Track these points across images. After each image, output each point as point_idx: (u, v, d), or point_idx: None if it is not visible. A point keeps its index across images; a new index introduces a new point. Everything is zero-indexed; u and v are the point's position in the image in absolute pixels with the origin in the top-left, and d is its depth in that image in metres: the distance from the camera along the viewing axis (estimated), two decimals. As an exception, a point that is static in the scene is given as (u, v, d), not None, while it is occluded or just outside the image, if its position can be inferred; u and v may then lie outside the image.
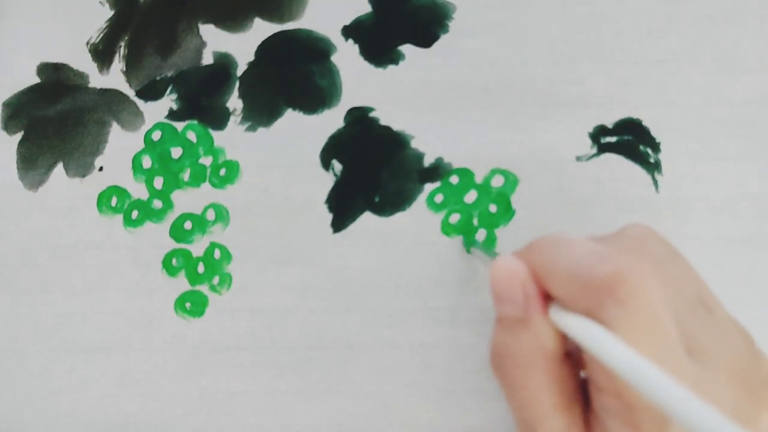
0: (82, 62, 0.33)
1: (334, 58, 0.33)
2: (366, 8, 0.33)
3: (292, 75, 0.33)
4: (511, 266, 0.20)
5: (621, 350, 0.17)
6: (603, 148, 0.31)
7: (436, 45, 0.32)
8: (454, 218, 0.31)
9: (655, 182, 0.31)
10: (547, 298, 0.20)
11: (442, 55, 0.32)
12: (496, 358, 0.21)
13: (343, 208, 0.31)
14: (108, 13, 0.34)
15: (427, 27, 0.33)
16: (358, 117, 0.32)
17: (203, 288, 0.31)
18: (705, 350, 0.19)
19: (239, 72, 0.33)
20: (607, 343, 0.18)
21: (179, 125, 0.32)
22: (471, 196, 0.31)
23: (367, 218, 0.31)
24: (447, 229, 0.31)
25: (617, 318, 0.18)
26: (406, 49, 0.32)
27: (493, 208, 0.31)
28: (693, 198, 0.30)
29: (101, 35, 0.34)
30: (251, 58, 0.33)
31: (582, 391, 0.21)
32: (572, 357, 0.21)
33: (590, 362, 0.19)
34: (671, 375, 0.17)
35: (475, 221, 0.31)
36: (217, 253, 0.31)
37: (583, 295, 0.19)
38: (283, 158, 0.32)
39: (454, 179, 0.31)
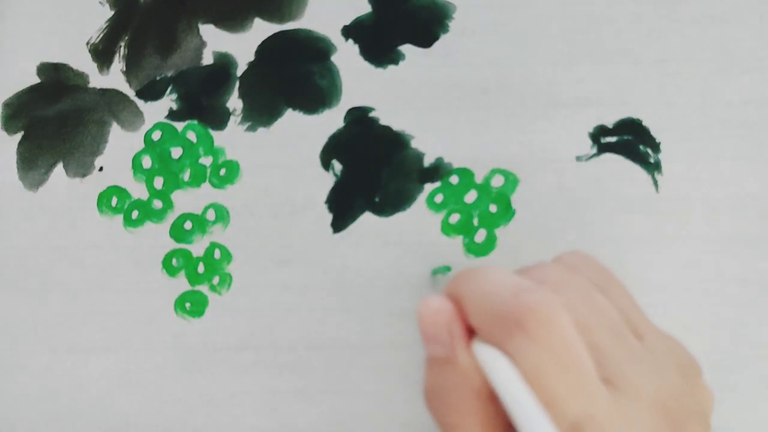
0: (82, 62, 0.33)
1: (334, 58, 0.33)
2: (366, 8, 0.33)
3: (292, 75, 0.33)
4: (437, 306, 0.21)
5: (509, 383, 0.18)
6: (603, 148, 0.31)
7: (436, 45, 0.32)
8: (454, 218, 0.31)
9: (655, 182, 0.31)
10: (473, 333, 0.20)
11: (442, 55, 0.32)
12: (429, 396, 0.21)
13: (343, 208, 0.31)
14: (108, 13, 0.34)
15: (427, 27, 0.33)
16: (358, 117, 0.32)
17: (203, 288, 0.31)
18: (626, 379, 0.19)
19: (239, 72, 0.33)
20: (501, 375, 0.18)
21: (179, 125, 0.32)
22: (471, 196, 0.31)
23: (367, 218, 0.31)
24: (447, 229, 0.31)
25: (524, 350, 0.18)
26: (406, 49, 0.32)
27: (493, 208, 0.31)
28: (693, 198, 0.30)
29: (101, 35, 0.34)
30: (251, 58, 0.33)
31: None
32: None
33: None
34: (583, 404, 0.17)
35: (475, 221, 0.31)
36: (217, 253, 0.31)
37: (494, 326, 0.19)
38: (283, 158, 0.32)
39: (454, 179, 0.31)
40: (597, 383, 0.18)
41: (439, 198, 0.31)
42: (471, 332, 0.20)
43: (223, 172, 0.32)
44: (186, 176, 0.32)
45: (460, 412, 0.20)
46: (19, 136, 0.33)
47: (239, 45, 0.33)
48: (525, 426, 0.17)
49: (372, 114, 0.32)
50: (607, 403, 0.18)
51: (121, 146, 0.32)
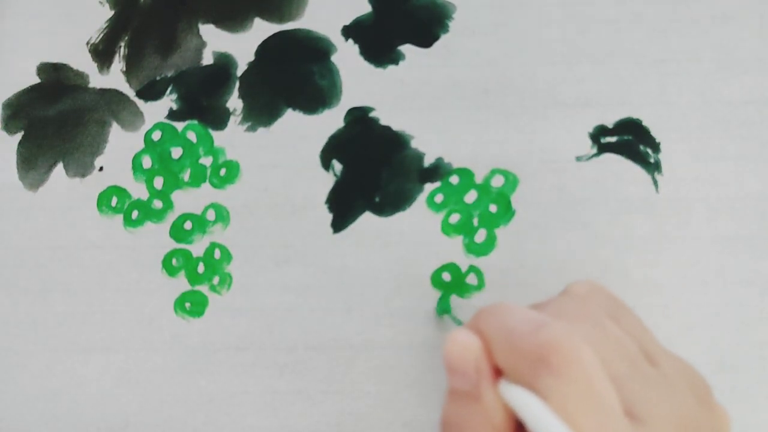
0: (82, 62, 0.33)
1: (334, 58, 0.33)
2: (366, 8, 0.33)
3: (292, 75, 0.33)
4: (465, 341, 0.21)
5: (546, 422, 0.18)
6: (603, 148, 0.31)
7: (436, 45, 0.32)
8: (454, 218, 0.31)
9: (655, 182, 0.31)
10: (499, 372, 0.21)
11: (442, 55, 0.32)
12: (446, 427, 0.21)
13: (343, 208, 0.31)
14: (108, 13, 0.34)
15: (427, 27, 0.33)
16: (358, 117, 0.32)
17: (203, 288, 0.31)
18: (647, 411, 0.19)
19: (239, 72, 0.33)
20: (539, 417, 0.18)
21: (179, 125, 0.32)
22: (471, 196, 0.31)
23: (367, 218, 0.31)
24: (447, 229, 0.31)
25: (552, 388, 0.18)
26: (406, 49, 0.32)
27: (493, 208, 0.31)
28: (693, 198, 0.30)
29: (101, 35, 0.34)
30: (251, 58, 0.33)
31: None
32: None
33: None
34: None
35: (475, 221, 0.31)
36: (217, 253, 0.31)
37: (520, 365, 0.19)
38: (283, 158, 0.32)
39: (454, 179, 0.31)
40: (622, 419, 0.19)
41: (439, 198, 0.31)
42: (496, 370, 0.20)
43: (223, 172, 0.32)
44: (186, 176, 0.32)
45: None
46: (19, 136, 0.33)
47: (239, 45, 0.33)
48: None
49: (372, 114, 0.32)
50: None
51: (121, 146, 0.32)
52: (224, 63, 0.33)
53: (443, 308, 0.30)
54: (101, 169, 0.32)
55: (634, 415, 0.19)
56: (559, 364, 0.18)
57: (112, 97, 0.33)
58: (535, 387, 0.19)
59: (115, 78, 0.33)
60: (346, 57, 0.32)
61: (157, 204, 0.32)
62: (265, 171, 0.31)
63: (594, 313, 0.21)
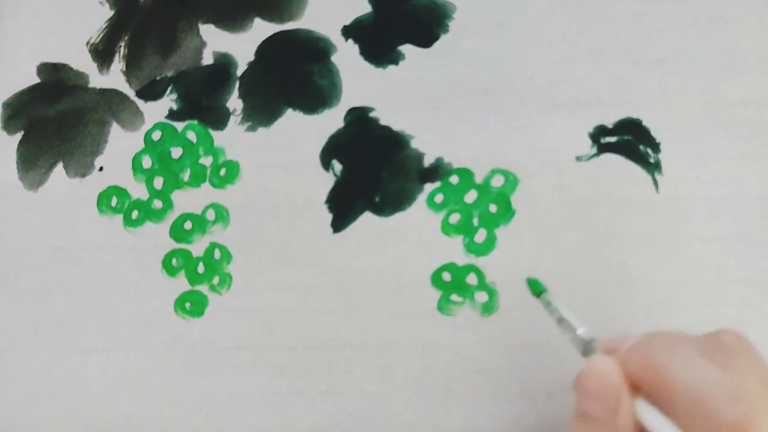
0: (82, 62, 0.33)
1: (334, 58, 0.33)
2: (366, 8, 0.33)
3: (292, 75, 0.33)
4: (607, 368, 0.21)
5: None
6: (603, 148, 0.31)
7: (436, 45, 0.32)
8: (454, 218, 0.31)
9: (655, 182, 0.31)
10: (634, 390, 0.21)
11: (442, 55, 0.32)
12: None
13: (343, 208, 0.31)
14: (108, 13, 0.34)
15: (427, 27, 0.33)
16: (358, 117, 0.32)
17: (203, 288, 0.31)
18: None
19: (239, 72, 0.33)
20: None
21: (179, 125, 0.32)
22: (471, 196, 0.31)
23: (367, 218, 0.31)
24: (447, 229, 0.31)
25: None
26: (406, 49, 0.32)
27: (493, 208, 0.31)
28: (693, 198, 0.30)
29: (101, 35, 0.34)
30: (251, 58, 0.33)
31: None
32: None
33: None
34: None
35: (475, 221, 0.31)
36: (217, 253, 0.31)
37: (704, 428, 0.19)
38: (283, 158, 0.32)
39: (454, 179, 0.31)
40: None
41: (439, 198, 0.31)
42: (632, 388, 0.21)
43: (223, 172, 0.32)
44: (186, 176, 0.32)
45: None
46: (19, 136, 0.33)
47: (239, 45, 0.33)
48: None
49: (372, 114, 0.32)
50: None
51: (121, 146, 0.32)
52: (224, 63, 0.33)
53: (537, 289, 0.27)
54: (101, 169, 0.32)
55: None
56: None
57: (112, 97, 0.33)
58: None
59: (115, 78, 0.33)
60: (346, 57, 0.32)
61: (157, 204, 0.32)
62: (265, 171, 0.31)
63: (760, 374, 0.21)
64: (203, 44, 0.33)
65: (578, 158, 0.31)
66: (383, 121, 0.32)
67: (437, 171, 0.31)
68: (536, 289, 0.27)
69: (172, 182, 0.32)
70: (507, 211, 0.31)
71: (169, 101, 0.33)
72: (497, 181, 0.31)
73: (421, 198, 0.31)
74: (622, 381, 0.21)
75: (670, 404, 0.20)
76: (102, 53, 0.33)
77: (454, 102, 0.32)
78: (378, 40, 0.33)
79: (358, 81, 0.32)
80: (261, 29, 0.33)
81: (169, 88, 0.33)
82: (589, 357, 0.22)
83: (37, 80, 0.33)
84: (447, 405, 0.29)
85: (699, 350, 0.21)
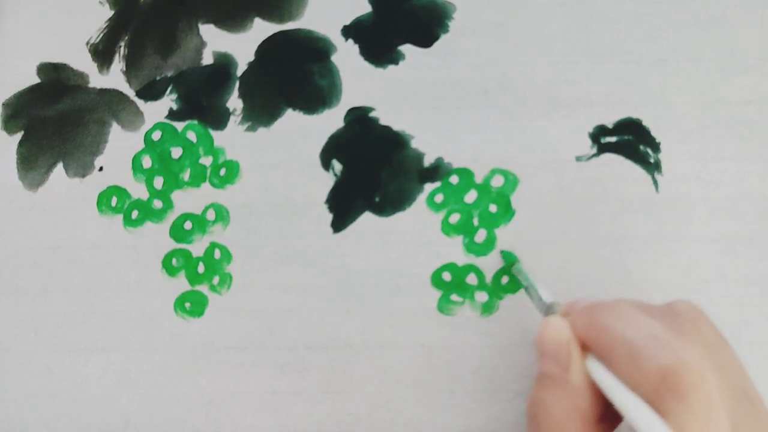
0: (82, 62, 0.33)
1: (334, 58, 0.33)
2: (366, 8, 0.33)
3: (292, 75, 0.33)
4: (558, 325, 0.22)
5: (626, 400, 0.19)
6: (603, 148, 0.31)
7: (436, 45, 0.32)
8: (454, 218, 0.31)
9: (655, 182, 0.31)
10: (584, 349, 0.22)
11: (442, 55, 0.32)
12: (533, 409, 0.22)
13: (343, 208, 0.31)
14: (108, 13, 0.34)
15: (427, 27, 0.33)
16: (358, 117, 0.32)
17: (203, 288, 0.31)
18: None
19: (239, 72, 0.33)
20: (613, 388, 0.20)
21: (179, 125, 0.32)
22: (471, 196, 0.31)
23: (367, 218, 0.31)
24: (447, 228, 0.31)
25: (675, 411, 0.19)
26: (406, 49, 0.32)
27: (493, 208, 0.31)
28: (693, 198, 0.30)
29: (101, 35, 0.34)
30: (251, 58, 0.33)
31: None
32: (606, 420, 0.21)
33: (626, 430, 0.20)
34: None
35: (475, 221, 0.31)
36: (217, 253, 0.31)
37: (642, 381, 0.19)
38: (283, 158, 0.32)
39: (454, 179, 0.31)
40: None
41: (439, 198, 0.31)
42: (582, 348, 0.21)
43: (223, 172, 0.32)
44: (186, 176, 0.32)
45: (560, 430, 0.21)
46: (19, 136, 0.33)
47: (239, 45, 0.33)
48: None
49: (372, 114, 0.32)
50: None
51: (121, 146, 0.32)
52: (224, 63, 0.33)
53: (509, 259, 0.30)
54: (101, 169, 0.32)
55: None
56: (685, 389, 0.19)
57: (112, 97, 0.33)
58: (655, 405, 0.19)
59: (115, 78, 0.33)
60: (346, 57, 0.32)
61: (157, 204, 0.32)
62: (265, 171, 0.31)
63: (705, 340, 0.21)
64: (203, 44, 0.33)
65: (578, 158, 0.31)
66: (383, 121, 0.32)
67: (437, 171, 0.31)
68: (509, 259, 0.29)
69: (172, 182, 0.32)
70: (507, 211, 0.31)
71: (169, 101, 0.33)
72: (497, 181, 0.31)
73: (421, 198, 0.31)
74: (571, 337, 0.22)
75: (610, 357, 0.21)
76: (102, 53, 0.33)
77: (454, 102, 0.32)
78: (378, 40, 0.33)
79: (358, 81, 0.32)
80: (261, 29, 0.33)
81: (169, 88, 0.33)
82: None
83: (37, 80, 0.33)
84: (447, 405, 0.29)
85: (647, 313, 0.22)
